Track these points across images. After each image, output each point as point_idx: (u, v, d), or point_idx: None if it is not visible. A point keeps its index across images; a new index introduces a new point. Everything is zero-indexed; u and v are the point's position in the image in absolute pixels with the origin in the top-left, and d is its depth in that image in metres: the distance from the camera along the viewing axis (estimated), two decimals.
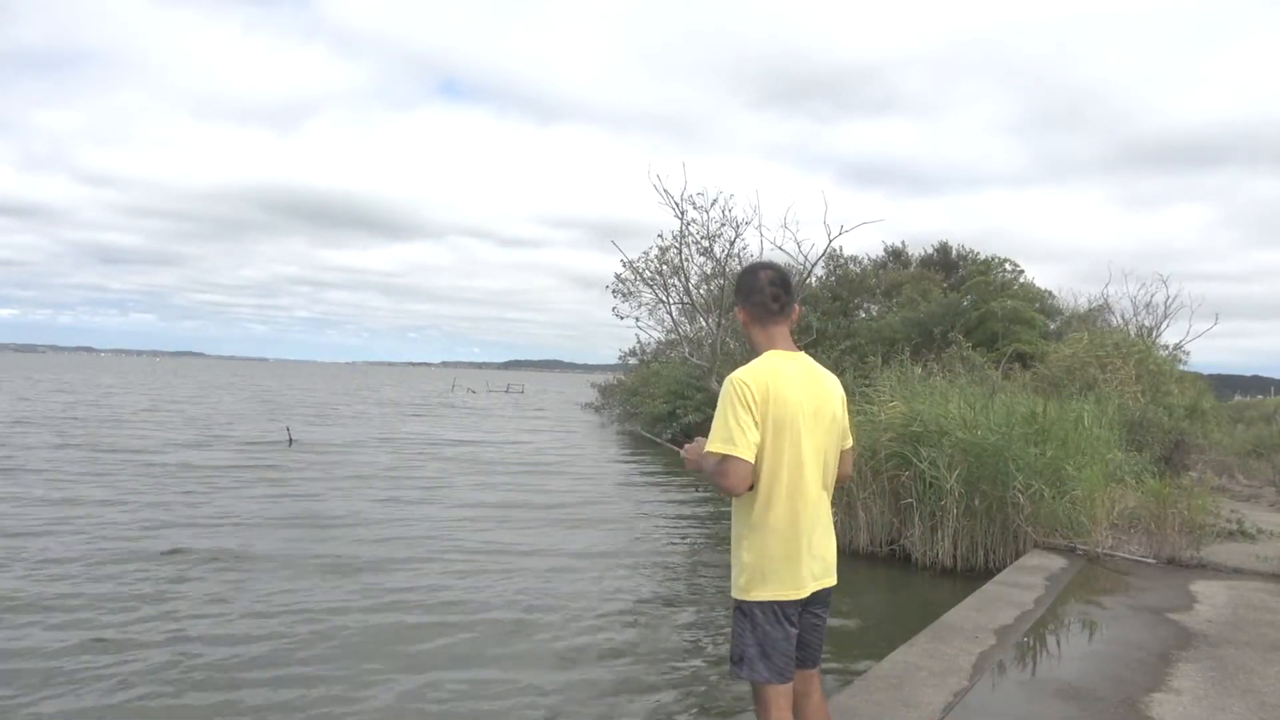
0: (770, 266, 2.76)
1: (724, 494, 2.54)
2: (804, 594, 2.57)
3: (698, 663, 6.01)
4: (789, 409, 2.51)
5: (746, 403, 2.46)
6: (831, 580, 2.68)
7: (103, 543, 8.86)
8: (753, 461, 2.46)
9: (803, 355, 2.69)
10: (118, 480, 13.28)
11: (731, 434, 2.45)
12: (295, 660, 5.72)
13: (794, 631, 2.58)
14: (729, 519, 2.70)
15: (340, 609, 6.89)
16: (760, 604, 2.54)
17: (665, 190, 17.78)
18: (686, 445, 2.71)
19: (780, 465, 2.52)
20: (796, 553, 2.54)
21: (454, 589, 7.69)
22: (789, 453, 2.52)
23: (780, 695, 2.56)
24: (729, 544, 2.69)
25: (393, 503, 12.40)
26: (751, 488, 2.53)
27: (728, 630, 3.06)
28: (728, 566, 2.70)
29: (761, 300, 2.66)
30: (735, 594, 2.60)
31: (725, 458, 2.45)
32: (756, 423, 2.47)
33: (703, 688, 5.50)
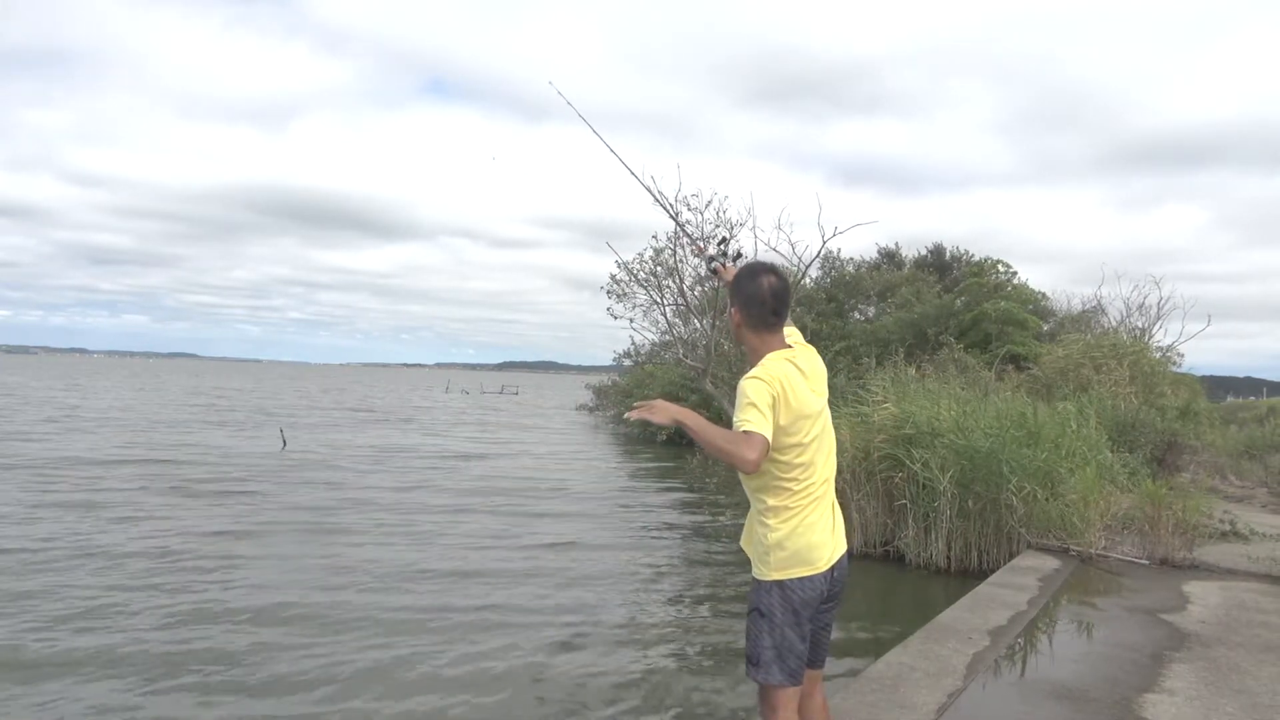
0: (773, 271, 2.71)
1: (734, 464, 2.40)
2: (825, 569, 2.57)
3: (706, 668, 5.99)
4: (802, 400, 2.54)
5: (768, 394, 2.45)
6: (842, 566, 2.67)
7: None
8: (770, 440, 2.40)
9: (795, 347, 2.69)
10: None
11: (754, 419, 2.39)
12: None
13: (809, 630, 2.58)
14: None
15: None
16: (781, 588, 2.53)
17: (659, 191, 17.76)
18: (655, 403, 2.59)
19: (801, 453, 2.54)
20: (817, 536, 2.56)
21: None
22: (809, 442, 2.56)
23: (790, 698, 2.56)
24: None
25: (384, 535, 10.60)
26: (777, 479, 2.54)
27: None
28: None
29: (763, 312, 2.65)
30: (764, 574, 2.57)
31: (749, 434, 2.37)
32: (776, 411, 2.47)
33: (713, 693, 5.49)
